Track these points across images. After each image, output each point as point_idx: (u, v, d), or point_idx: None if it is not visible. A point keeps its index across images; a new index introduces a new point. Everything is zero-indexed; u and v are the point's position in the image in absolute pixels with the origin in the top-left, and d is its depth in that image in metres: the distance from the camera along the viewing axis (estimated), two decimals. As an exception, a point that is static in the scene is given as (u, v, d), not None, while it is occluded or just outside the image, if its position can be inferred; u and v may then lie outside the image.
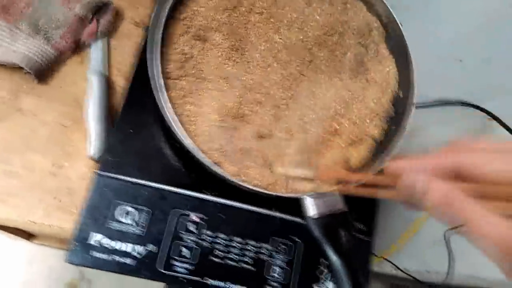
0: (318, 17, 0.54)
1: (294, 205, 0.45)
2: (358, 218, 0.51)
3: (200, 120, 0.45)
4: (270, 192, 0.44)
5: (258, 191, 0.43)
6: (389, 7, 0.53)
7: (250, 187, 0.43)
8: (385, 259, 0.90)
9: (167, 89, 0.45)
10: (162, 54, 0.46)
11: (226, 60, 0.50)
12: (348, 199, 0.44)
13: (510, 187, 0.27)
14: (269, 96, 0.49)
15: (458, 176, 0.29)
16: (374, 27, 0.54)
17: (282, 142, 0.47)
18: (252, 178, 0.45)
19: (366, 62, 0.54)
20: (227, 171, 0.44)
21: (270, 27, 0.52)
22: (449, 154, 0.30)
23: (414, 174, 0.30)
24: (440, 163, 0.30)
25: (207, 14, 0.50)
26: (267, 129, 0.48)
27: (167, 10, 0.48)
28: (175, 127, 0.43)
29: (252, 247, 0.47)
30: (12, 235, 0.90)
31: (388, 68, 0.53)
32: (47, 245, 1.07)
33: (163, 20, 0.47)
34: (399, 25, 0.53)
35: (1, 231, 0.84)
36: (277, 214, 0.48)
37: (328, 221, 0.42)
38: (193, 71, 0.49)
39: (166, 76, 0.46)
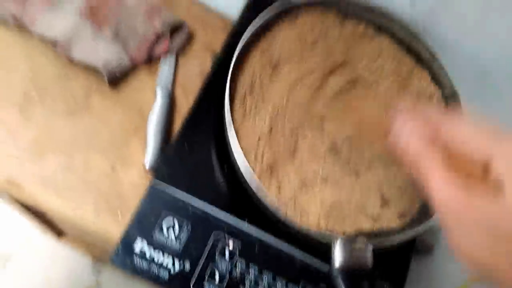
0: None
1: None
2: (386, 277, 0.51)
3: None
4: (300, 227, 0.45)
5: (298, 229, 0.45)
6: (452, 80, 0.54)
7: (296, 226, 0.45)
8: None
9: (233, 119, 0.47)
10: (232, 83, 0.49)
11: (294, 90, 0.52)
12: (379, 255, 0.45)
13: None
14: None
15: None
16: (435, 96, 0.56)
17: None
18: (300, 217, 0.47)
19: None
20: (280, 208, 0.46)
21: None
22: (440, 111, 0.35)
23: (402, 122, 0.35)
24: (431, 115, 0.34)
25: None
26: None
27: (243, 43, 0.50)
28: (237, 158, 0.45)
29: (280, 286, 0.48)
30: (44, 228, 0.95)
31: None
32: (74, 246, 1.11)
33: (237, 52, 0.50)
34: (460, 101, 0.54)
35: (36, 222, 0.88)
36: (311, 260, 0.49)
37: (354, 274, 0.43)
38: (259, 102, 0.51)
39: (233, 108, 0.48)
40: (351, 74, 0.54)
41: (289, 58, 0.53)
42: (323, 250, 0.47)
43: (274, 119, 0.50)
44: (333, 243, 0.45)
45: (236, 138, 0.45)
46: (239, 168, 0.46)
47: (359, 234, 0.47)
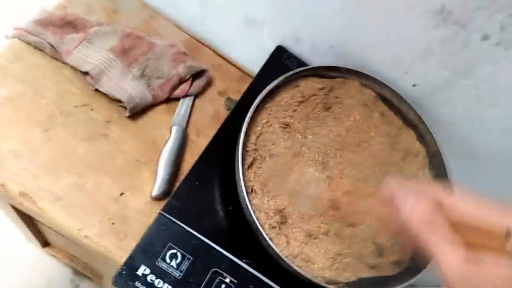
0: (373, 134, 0.62)
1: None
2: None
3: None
4: (315, 281, 0.48)
5: (305, 277, 0.48)
6: (437, 141, 0.60)
7: (299, 270, 0.48)
8: None
9: (243, 163, 0.52)
10: (246, 132, 0.54)
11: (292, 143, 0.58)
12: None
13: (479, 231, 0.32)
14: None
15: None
16: (420, 153, 0.62)
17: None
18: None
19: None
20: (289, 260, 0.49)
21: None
22: (438, 188, 0.35)
23: (406, 194, 0.36)
24: (429, 191, 0.35)
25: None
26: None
27: (259, 99, 0.56)
28: (244, 195, 0.49)
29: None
30: (30, 236, 0.95)
31: None
32: (57, 257, 1.11)
33: (260, 99, 0.56)
34: (444, 162, 0.60)
35: (27, 233, 0.89)
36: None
37: None
38: (262, 148, 0.56)
39: (245, 151, 0.53)
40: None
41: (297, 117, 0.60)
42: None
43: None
44: None
45: (244, 184, 0.50)
46: (250, 217, 0.50)
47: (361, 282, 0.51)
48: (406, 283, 0.51)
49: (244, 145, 0.54)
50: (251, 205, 0.49)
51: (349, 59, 0.63)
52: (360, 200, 0.55)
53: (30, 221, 0.85)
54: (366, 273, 0.54)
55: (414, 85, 0.62)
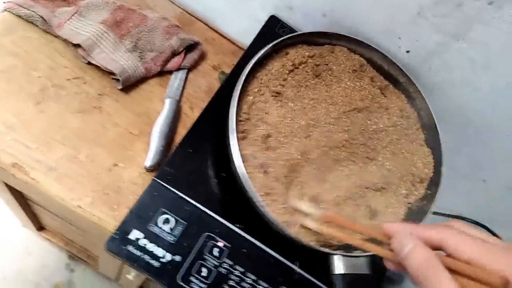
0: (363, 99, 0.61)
1: (314, 262, 0.49)
2: None
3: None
4: (308, 244, 0.48)
5: (296, 239, 0.48)
6: (429, 104, 0.60)
7: (291, 235, 0.48)
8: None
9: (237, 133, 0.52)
10: (238, 101, 0.54)
11: (288, 114, 0.57)
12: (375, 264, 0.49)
13: (479, 270, 0.32)
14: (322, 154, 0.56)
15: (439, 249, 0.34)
16: (412, 116, 0.62)
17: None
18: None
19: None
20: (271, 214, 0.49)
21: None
22: (439, 228, 0.35)
23: (405, 236, 0.35)
24: (428, 233, 0.35)
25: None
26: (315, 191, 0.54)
27: (250, 66, 0.56)
28: (236, 163, 0.49)
29: (262, 288, 0.51)
30: (26, 221, 0.96)
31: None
32: (53, 241, 1.12)
33: (249, 67, 0.55)
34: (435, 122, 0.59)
35: (22, 215, 0.89)
36: (293, 266, 0.52)
37: (353, 281, 0.47)
38: (258, 120, 0.56)
39: (237, 121, 0.53)
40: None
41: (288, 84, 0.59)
42: (311, 260, 0.51)
43: (272, 135, 0.55)
44: (333, 253, 0.49)
45: (238, 148, 0.50)
46: (240, 180, 0.50)
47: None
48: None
49: (237, 114, 0.54)
50: (246, 173, 0.49)
51: (342, 27, 0.63)
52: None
53: (24, 202, 0.85)
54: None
55: (408, 51, 0.61)
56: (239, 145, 0.50)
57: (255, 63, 0.56)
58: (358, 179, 0.57)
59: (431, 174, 0.59)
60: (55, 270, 1.24)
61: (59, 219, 0.88)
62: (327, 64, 0.62)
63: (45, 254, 1.24)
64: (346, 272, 0.48)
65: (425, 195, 0.58)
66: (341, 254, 0.49)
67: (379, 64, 0.64)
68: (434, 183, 0.58)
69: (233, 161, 0.50)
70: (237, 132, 0.54)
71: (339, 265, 0.48)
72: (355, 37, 0.61)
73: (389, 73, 0.64)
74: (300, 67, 0.60)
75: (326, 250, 0.49)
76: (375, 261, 0.50)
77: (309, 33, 0.61)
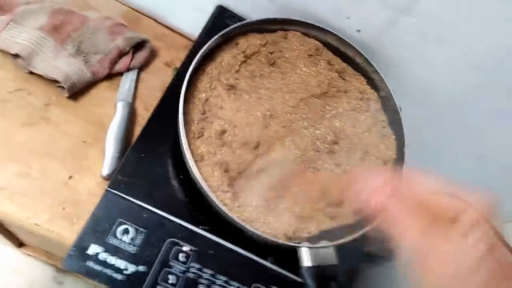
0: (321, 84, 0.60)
1: (284, 256, 0.49)
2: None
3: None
4: (271, 238, 0.48)
5: (260, 236, 0.47)
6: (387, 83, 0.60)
7: (254, 231, 0.47)
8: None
9: (186, 129, 0.50)
10: (186, 96, 0.52)
11: (242, 106, 0.56)
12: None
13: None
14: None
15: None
16: (372, 97, 0.61)
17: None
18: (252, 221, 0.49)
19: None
20: (227, 206, 0.48)
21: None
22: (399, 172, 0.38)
23: (369, 179, 0.39)
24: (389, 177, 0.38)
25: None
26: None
27: (196, 60, 0.54)
28: (190, 164, 0.47)
29: (233, 288, 0.50)
30: (3, 239, 0.92)
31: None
32: (35, 256, 1.08)
33: (197, 61, 0.53)
34: (398, 106, 0.59)
35: None
36: (264, 262, 0.52)
37: (321, 272, 0.47)
38: (209, 114, 0.54)
39: (186, 118, 0.51)
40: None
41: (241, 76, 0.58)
42: (281, 254, 0.50)
43: (228, 130, 0.53)
44: (299, 246, 0.48)
45: (190, 151, 0.48)
46: (197, 180, 0.48)
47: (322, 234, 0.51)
48: (367, 228, 0.51)
49: (187, 113, 0.52)
50: (200, 174, 0.47)
51: (291, 11, 0.61)
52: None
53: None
54: (327, 225, 0.53)
55: (358, 31, 0.60)
56: (193, 144, 0.48)
57: (204, 56, 0.54)
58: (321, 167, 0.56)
59: (394, 156, 0.58)
60: (43, 285, 1.20)
61: (33, 235, 0.86)
62: (281, 51, 0.60)
63: (31, 269, 1.19)
64: (314, 265, 0.48)
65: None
66: (307, 247, 0.49)
67: (335, 46, 0.63)
68: (398, 164, 0.58)
69: (187, 162, 0.48)
70: (193, 130, 0.52)
71: (307, 258, 0.48)
72: (307, 21, 0.59)
73: (346, 55, 0.63)
74: (253, 56, 0.59)
75: (292, 243, 0.49)
76: (343, 251, 0.49)
77: (259, 21, 0.59)
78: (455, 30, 0.55)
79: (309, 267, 0.48)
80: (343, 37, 0.60)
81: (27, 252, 1.09)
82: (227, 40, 0.57)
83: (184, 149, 0.48)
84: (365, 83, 0.61)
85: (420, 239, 0.34)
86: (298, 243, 0.49)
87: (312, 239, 0.51)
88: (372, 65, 0.59)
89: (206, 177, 0.49)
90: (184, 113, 0.51)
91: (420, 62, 0.61)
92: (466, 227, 0.33)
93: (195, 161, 0.48)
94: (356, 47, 0.59)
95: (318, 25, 0.59)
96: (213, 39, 0.54)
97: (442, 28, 0.55)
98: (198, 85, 0.55)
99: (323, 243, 0.49)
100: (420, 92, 0.66)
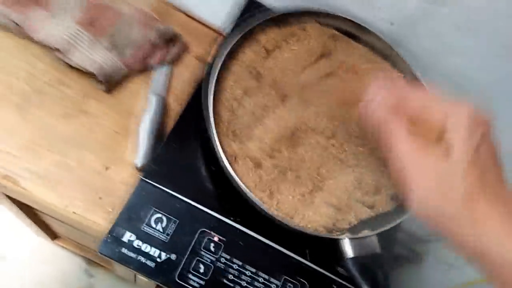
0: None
1: (317, 250, 0.49)
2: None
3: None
4: (313, 233, 0.48)
5: (302, 231, 0.48)
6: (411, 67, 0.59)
7: (297, 227, 0.47)
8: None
9: (216, 120, 0.50)
10: (216, 90, 0.52)
11: (270, 102, 0.56)
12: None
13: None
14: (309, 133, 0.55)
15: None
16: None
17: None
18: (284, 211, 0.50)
19: None
20: (265, 204, 0.49)
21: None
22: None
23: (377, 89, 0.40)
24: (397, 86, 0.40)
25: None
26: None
27: (225, 53, 0.54)
28: (225, 163, 0.48)
29: (262, 280, 0.50)
30: (38, 230, 0.96)
31: None
32: (67, 248, 1.12)
33: (221, 61, 0.54)
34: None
35: (33, 226, 0.90)
36: (292, 254, 0.52)
37: (365, 261, 0.47)
38: (240, 111, 0.55)
39: (216, 111, 0.52)
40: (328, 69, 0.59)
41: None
42: (313, 248, 0.50)
43: (259, 124, 0.54)
44: (341, 238, 0.48)
45: (223, 151, 0.49)
46: (233, 179, 0.49)
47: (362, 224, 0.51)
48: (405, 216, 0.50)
49: (216, 112, 0.53)
50: (236, 173, 0.48)
51: (320, 1, 0.61)
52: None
53: (31, 212, 0.85)
54: (366, 214, 0.53)
55: (392, 24, 0.59)
56: (225, 142, 0.49)
57: (229, 53, 0.55)
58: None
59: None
60: (74, 277, 1.25)
61: (67, 226, 0.89)
62: (300, 41, 0.60)
63: (63, 261, 1.25)
64: (358, 255, 0.48)
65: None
66: (350, 238, 0.49)
67: (354, 33, 0.62)
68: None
69: (221, 162, 0.49)
70: (223, 127, 0.53)
71: (350, 249, 0.48)
72: (324, 11, 0.59)
73: (366, 42, 0.62)
74: (275, 51, 0.59)
75: (335, 236, 0.49)
76: (385, 239, 0.50)
77: (275, 16, 0.60)
78: (485, 18, 0.54)
79: (353, 258, 0.48)
80: (364, 25, 0.59)
81: (61, 244, 1.13)
82: (248, 36, 0.58)
83: (218, 149, 0.49)
84: (390, 66, 0.61)
85: (409, 151, 0.35)
86: (340, 235, 0.49)
87: (353, 230, 0.51)
88: (394, 50, 0.58)
89: (242, 177, 0.49)
90: (214, 112, 0.51)
91: (451, 53, 0.60)
92: (450, 138, 0.34)
93: (229, 161, 0.49)
94: (378, 35, 0.59)
95: (335, 13, 0.59)
96: (236, 36, 0.55)
97: (473, 17, 0.54)
98: (227, 82, 0.55)
99: (365, 232, 0.49)
100: (451, 87, 0.64)
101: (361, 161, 0.54)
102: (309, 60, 0.58)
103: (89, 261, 1.24)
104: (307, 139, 0.54)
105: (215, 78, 0.53)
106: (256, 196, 0.48)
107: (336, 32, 0.61)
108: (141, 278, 0.87)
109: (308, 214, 0.51)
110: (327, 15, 0.60)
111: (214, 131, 0.49)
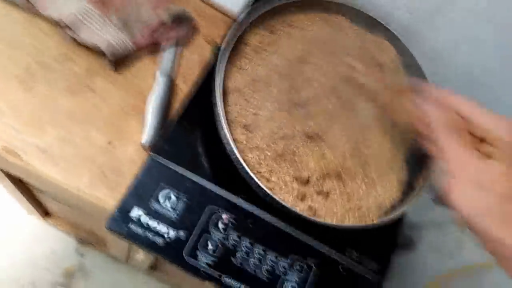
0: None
1: (323, 230, 0.48)
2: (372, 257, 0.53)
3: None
4: (315, 220, 0.47)
5: (304, 217, 0.47)
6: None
7: (300, 212, 0.47)
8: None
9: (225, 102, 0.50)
10: (226, 71, 0.52)
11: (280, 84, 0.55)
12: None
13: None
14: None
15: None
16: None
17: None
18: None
19: None
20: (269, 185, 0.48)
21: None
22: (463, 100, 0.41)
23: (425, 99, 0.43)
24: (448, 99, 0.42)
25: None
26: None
27: (237, 37, 0.54)
28: (237, 154, 0.47)
29: (270, 259, 0.49)
30: (30, 208, 0.94)
31: None
32: (58, 226, 1.10)
33: (232, 44, 0.54)
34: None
35: (23, 202, 0.88)
36: (301, 235, 0.51)
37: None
38: (250, 91, 0.54)
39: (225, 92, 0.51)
40: None
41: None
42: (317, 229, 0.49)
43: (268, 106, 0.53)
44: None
45: (228, 130, 0.48)
46: (243, 170, 0.48)
47: None
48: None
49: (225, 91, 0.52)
50: (245, 161, 0.47)
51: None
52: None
53: (25, 189, 0.83)
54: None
55: (410, 13, 0.59)
56: (234, 131, 0.49)
57: (239, 38, 0.54)
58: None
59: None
60: (65, 255, 1.23)
61: (62, 204, 0.87)
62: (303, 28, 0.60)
63: (54, 240, 1.23)
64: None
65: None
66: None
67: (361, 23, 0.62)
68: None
69: (230, 153, 0.48)
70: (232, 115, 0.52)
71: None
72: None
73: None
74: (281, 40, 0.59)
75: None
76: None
77: (280, 5, 0.59)
78: (506, 7, 0.53)
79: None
80: (370, 14, 0.59)
81: (53, 222, 1.12)
82: (257, 21, 0.57)
83: (222, 133, 0.48)
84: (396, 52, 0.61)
85: (472, 160, 0.37)
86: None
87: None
88: (399, 39, 0.58)
89: (253, 166, 0.48)
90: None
91: (469, 44, 0.59)
92: (491, 146, 0.37)
93: (238, 148, 0.48)
94: (386, 26, 0.59)
95: (340, 2, 0.59)
96: (245, 23, 0.54)
97: (494, 5, 0.54)
98: (236, 65, 0.55)
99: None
100: (467, 80, 0.64)
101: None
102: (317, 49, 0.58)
103: (80, 240, 1.22)
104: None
105: (226, 59, 0.52)
106: (259, 181, 0.47)
107: (344, 19, 0.61)
108: (135, 257, 0.86)
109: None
110: (341, 5, 0.60)
111: (223, 117, 0.48)
